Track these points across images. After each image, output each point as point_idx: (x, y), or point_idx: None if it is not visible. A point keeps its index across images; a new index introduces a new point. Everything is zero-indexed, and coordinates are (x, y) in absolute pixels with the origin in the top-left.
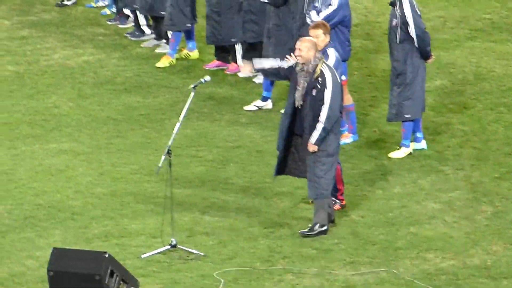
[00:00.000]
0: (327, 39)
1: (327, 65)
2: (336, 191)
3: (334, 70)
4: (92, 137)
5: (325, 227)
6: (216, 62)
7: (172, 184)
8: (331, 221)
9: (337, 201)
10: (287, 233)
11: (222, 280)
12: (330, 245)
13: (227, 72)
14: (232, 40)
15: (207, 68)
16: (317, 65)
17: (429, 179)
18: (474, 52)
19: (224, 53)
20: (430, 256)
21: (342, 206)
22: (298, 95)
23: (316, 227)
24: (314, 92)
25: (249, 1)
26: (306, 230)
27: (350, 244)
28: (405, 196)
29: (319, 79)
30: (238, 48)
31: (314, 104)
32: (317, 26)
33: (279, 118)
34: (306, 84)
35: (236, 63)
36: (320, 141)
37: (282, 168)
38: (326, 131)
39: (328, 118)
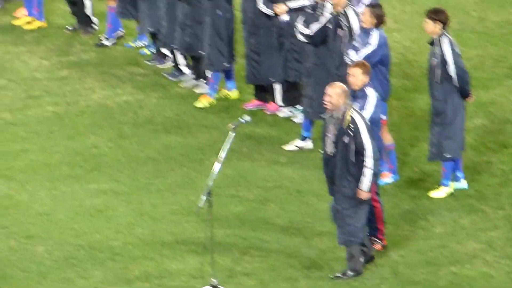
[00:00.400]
0: (366, 79)
1: (356, 111)
2: (376, 231)
3: (363, 114)
4: (131, 177)
5: (358, 274)
6: (256, 102)
7: (212, 224)
8: (371, 259)
9: (377, 240)
10: (327, 274)
11: None
12: (371, 286)
13: (266, 112)
14: (272, 79)
15: (246, 108)
16: (346, 111)
17: (470, 219)
18: None
19: (264, 92)
20: None
21: (383, 246)
22: (329, 142)
23: (349, 272)
24: (346, 139)
25: (292, 39)
26: (339, 273)
27: (391, 284)
28: (445, 236)
29: (351, 125)
30: (278, 88)
31: (345, 152)
32: (356, 65)
33: (319, 158)
34: (336, 131)
35: (275, 102)
36: (370, 187)
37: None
38: (375, 175)
39: (375, 162)
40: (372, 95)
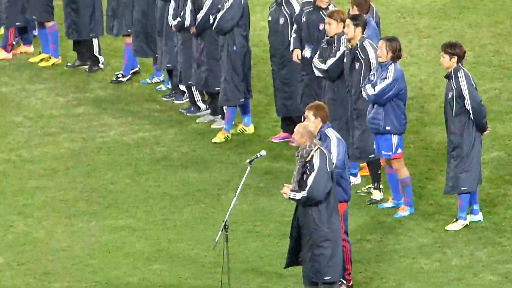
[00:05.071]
0: (318, 121)
1: (322, 152)
2: (343, 271)
3: (328, 156)
4: (148, 213)
5: None
6: (283, 134)
7: (229, 260)
8: None
9: (343, 281)
10: None
11: None
12: None
13: (292, 144)
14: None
15: (274, 141)
16: (311, 151)
17: (486, 251)
18: None
19: (291, 125)
20: None
21: (349, 287)
22: (294, 180)
23: None
24: (305, 177)
25: (310, 76)
26: None
27: None
28: (462, 268)
29: (307, 165)
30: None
31: (303, 189)
32: (308, 108)
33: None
34: (300, 169)
35: None
36: (291, 199)
37: (293, 259)
38: (300, 202)
39: (306, 199)
40: (332, 135)
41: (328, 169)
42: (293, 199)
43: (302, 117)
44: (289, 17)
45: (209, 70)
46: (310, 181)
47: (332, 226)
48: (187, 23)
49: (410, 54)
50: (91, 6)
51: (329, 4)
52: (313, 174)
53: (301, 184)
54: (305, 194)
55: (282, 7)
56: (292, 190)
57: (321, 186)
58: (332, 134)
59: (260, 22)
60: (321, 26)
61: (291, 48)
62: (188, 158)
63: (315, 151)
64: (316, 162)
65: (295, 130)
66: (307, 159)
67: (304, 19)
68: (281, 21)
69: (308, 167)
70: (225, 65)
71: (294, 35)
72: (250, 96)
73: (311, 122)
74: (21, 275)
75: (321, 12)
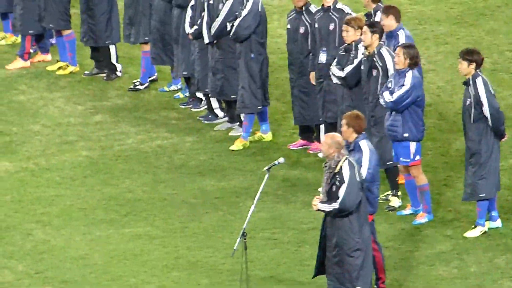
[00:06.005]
0: (350, 131)
1: (350, 162)
2: (377, 280)
3: (356, 166)
4: (167, 221)
5: None
6: (301, 142)
7: (248, 267)
8: None
9: None
10: None
11: None
12: None
13: (310, 152)
14: (321, 119)
15: (292, 148)
16: (339, 162)
17: (505, 258)
18: None
19: (309, 132)
20: None
21: None
22: (322, 190)
23: None
24: (334, 188)
25: (328, 81)
26: None
27: None
28: (481, 275)
29: (337, 176)
30: (323, 128)
31: (334, 200)
32: (344, 116)
33: None
34: (329, 180)
35: (320, 142)
36: (322, 211)
37: (320, 269)
38: (331, 213)
39: (338, 211)
40: (365, 147)
41: (358, 179)
42: (324, 211)
43: (323, 125)
44: (309, 26)
45: (225, 78)
46: (341, 192)
47: (363, 236)
48: (206, 40)
49: (428, 61)
50: (107, 12)
51: (335, 3)
52: (344, 185)
53: (330, 195)
54: (337, 206)
55: (302, 16)
56: (322, 202)
57: (353, 197)
58: (366, 146)
59: (277, 30)
60: (331, 27)
61: (309, 70)
62: (206, 165)
63: (343, 162)
64: (346, 173)
65: (322, 141)
66: (336, 170)
67: (316, 25)
68: (302, 30)
69: (338, 178)
70: (243, 73)
71: (311, 61)
72: (267, 104)
73: (343, 130)
74: (39, 283)
75: (329, 13)
